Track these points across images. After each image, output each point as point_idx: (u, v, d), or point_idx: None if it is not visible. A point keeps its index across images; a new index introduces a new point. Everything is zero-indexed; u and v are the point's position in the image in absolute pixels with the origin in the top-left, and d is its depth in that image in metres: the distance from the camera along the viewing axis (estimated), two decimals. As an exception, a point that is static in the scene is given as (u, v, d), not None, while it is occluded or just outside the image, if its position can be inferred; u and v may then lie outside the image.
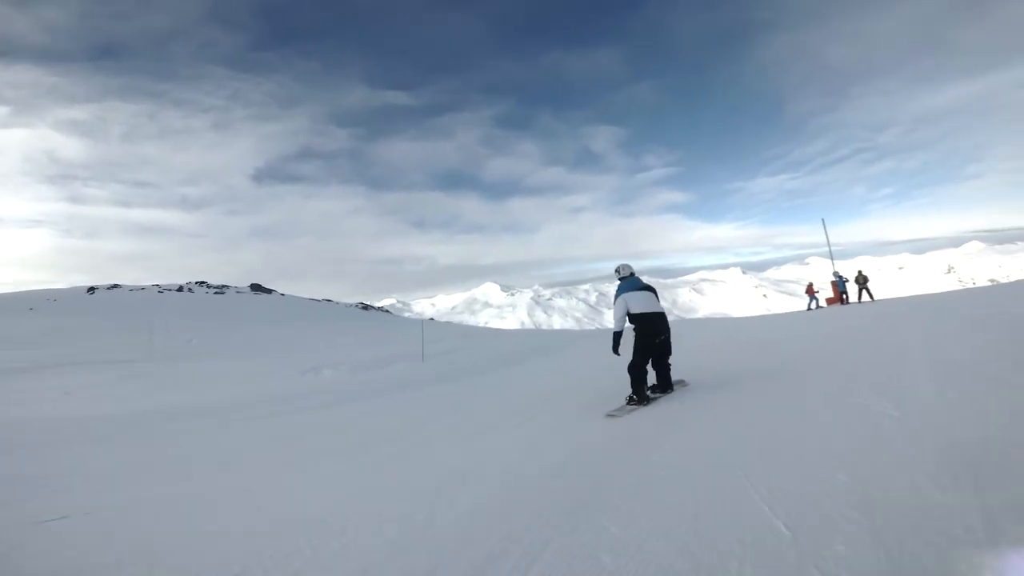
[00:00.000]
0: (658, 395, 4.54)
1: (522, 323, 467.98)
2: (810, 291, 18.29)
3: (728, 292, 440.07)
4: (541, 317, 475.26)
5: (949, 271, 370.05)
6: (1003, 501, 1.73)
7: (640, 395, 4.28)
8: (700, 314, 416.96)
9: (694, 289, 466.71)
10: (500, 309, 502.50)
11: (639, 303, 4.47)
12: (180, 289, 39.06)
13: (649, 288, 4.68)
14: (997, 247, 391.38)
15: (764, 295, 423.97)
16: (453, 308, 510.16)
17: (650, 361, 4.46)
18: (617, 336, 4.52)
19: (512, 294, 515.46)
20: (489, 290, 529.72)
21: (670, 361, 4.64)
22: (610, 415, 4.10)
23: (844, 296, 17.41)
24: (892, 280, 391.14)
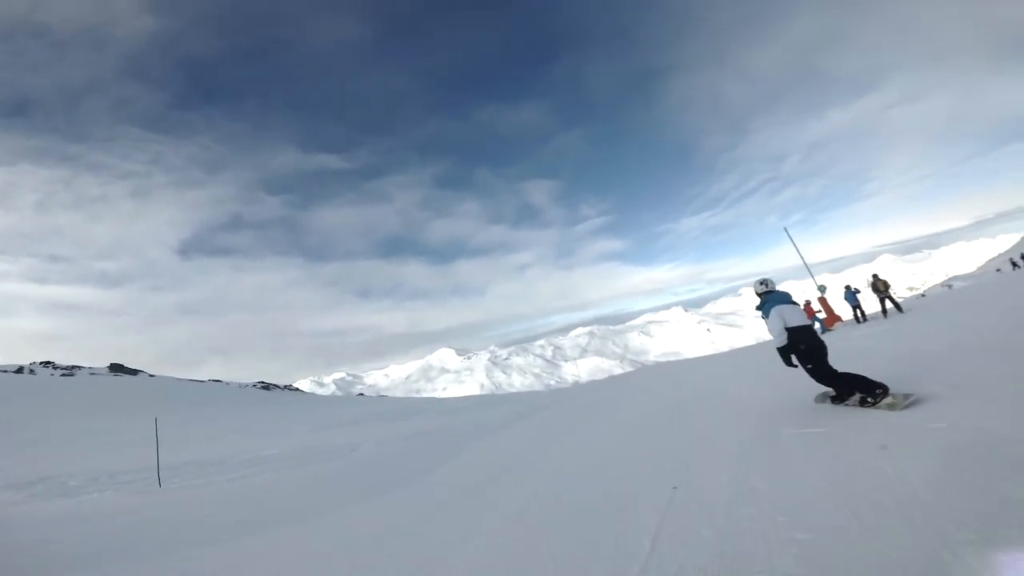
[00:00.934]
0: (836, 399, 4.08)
1: (482, 385, 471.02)
2: (810, 312, 15.20)
3: (674, 331, 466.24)
4: (500, 377, 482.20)
5: (869, 285, 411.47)
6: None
7: (853, 389, 3.83)
8: (652, 356, 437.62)
9: (643, 332, 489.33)
10: (458, 374, 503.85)
11: (794, 317, 4.12)
12: (20, 371, 33.98)
13: (795, 302, 4.32)
14: (907, 257, 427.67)
15: (708, 329, 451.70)
16: (408, 377, 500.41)
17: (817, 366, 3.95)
18: (784, 351, 4.12)
19: (468, 357, 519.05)
20: (444, 355, 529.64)
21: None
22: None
23: (859, 312, 14.35)
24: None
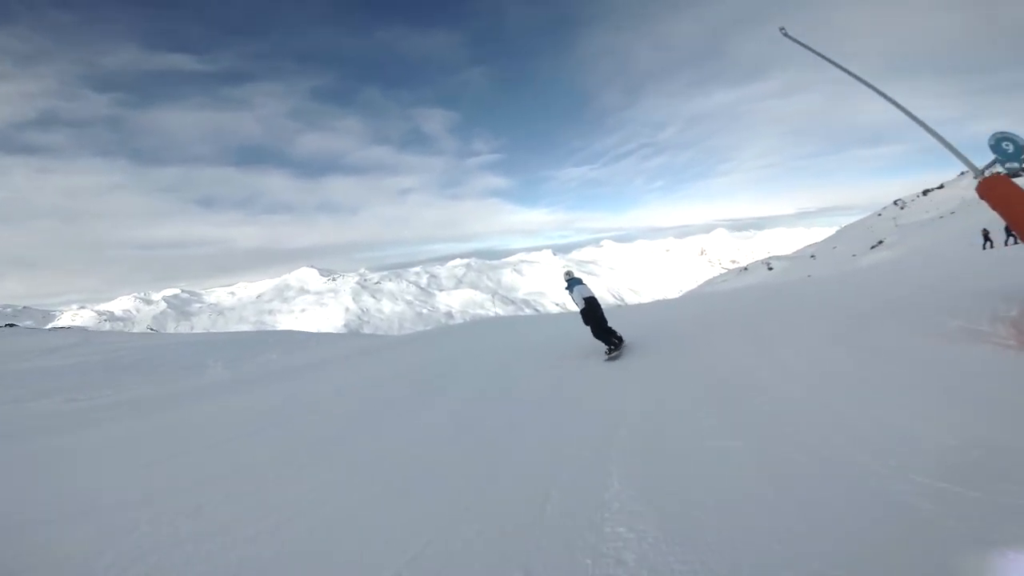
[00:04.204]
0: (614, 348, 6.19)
1: (347, 309, 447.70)
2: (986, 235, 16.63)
3: (543, 272, 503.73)
4: (369, 302, 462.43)
5: (702, 253, 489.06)
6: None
7: (614, 345, 6.15)
8: (521, 294, 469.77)
9: (515, 270, 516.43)
10: (320, 296, 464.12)
11: (587, 292, 6.54)
12: None
13: (582, 284, 6.68)
14: (737, 233, 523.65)
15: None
16: (259, 296, 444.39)
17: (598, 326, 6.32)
18: (583, 312, 6.40)
19: (333, 279, 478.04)
20: (305, 275, 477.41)
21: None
22: (609, 360, 5.85)
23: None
24: (660, 261, 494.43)
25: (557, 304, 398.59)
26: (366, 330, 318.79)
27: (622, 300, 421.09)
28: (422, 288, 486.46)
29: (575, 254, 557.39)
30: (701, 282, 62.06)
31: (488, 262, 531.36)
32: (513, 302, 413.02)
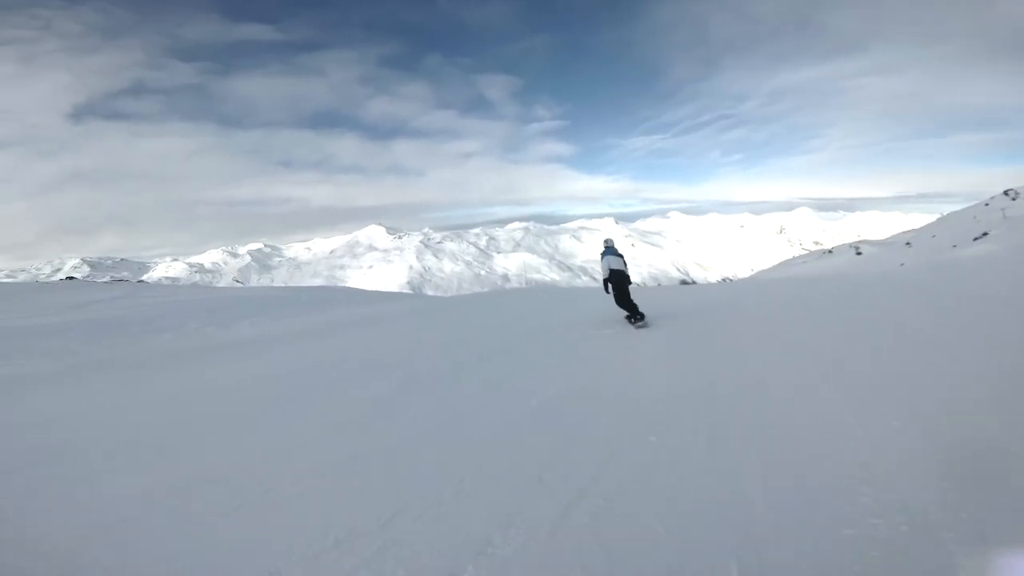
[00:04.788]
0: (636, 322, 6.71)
1: (411, 267, 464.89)
2: None
3: (601, 240, 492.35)
4: (431, 261, 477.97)
5: (781, 231, 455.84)
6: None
7: (636, 314, 6.69)
8: (579, 260, 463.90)
9: (574, 236, 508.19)
10: (386, 253, 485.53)
11: (615, 264, 6.90)
12: None
13: (621, 256, 7.13)
14: (822, 214, 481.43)
15: (632, 244, 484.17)
16: (332, 252, 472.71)
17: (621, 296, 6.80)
18: (605, 282, 6.95)
19: (399, 237, 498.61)
20: (374, 233, 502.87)
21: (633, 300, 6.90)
22: (638, 328, 6.48)
23: None
24: (733, 236, 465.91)
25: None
26: (427, 288, 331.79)
27: (687, 275, 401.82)
28: (481, 249, 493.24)
29: (639, 224, 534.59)
30: (777, 262, 58.26)
31: (546, 227, 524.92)
32: (570, 268, 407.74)
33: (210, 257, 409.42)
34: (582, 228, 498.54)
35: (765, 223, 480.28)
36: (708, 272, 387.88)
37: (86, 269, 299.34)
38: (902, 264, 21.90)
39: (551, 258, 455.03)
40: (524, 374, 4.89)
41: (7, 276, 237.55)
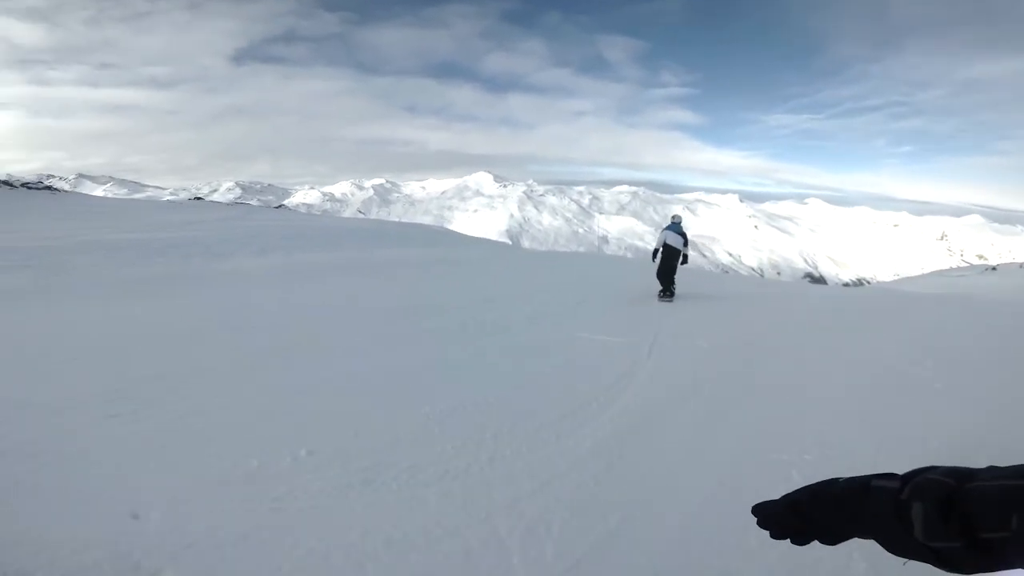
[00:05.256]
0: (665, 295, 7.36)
1: (511, 215, 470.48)
2: None
3: (721, 217, 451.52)
4: (531, 212, 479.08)
5: (942, 238, 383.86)
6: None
7: (667, 290, 7.31)
8: (689, 234, 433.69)
9: (688, 208, 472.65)
10: (491, 199, 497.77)
11: (668, 239, 7.37)
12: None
13: (682, 234, 7.55)
14: (996, 225, 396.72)
15: (755, 226, 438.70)
16: (443, 193, 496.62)
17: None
18: (654, 252, 7.53)
19: (505, 186, 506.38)
20: (482, 179, 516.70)
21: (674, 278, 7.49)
22: (661, 301, 7.17)
23: None
24: (881, 235, 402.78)
25: (730, 254, 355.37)
26: (524, 240, 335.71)
27: (815, 268, 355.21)
28: (583, 208, 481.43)
29: (768, 205, 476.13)
30: (928, 271, 48.44)
31: (658, 195, 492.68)
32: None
33: (340, 188, 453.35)
34: (699, 201, 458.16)
35: (924, 226, 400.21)
36: (841, 269, 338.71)
37: (238, 191, 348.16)
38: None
39: (657, 226, 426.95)
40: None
41: (171, 194, 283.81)
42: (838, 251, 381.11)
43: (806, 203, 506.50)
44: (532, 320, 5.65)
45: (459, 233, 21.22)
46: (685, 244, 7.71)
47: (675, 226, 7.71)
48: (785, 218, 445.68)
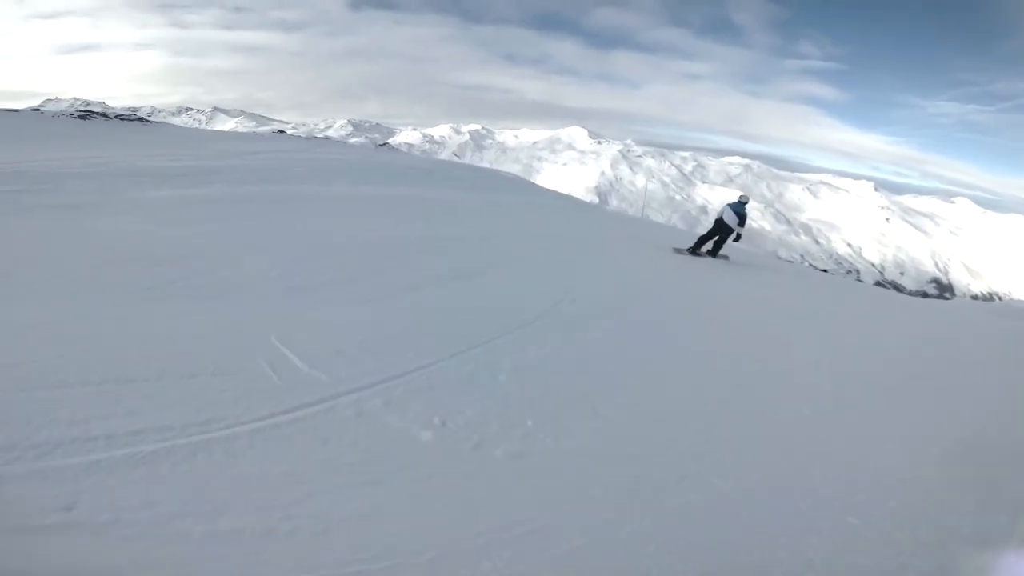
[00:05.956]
0: (707, 256, 8.18)
1: (602, 173, 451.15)
2: None
3: (846, 204, 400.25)
4: (624, 172, 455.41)
5: None
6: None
7: (693, 250, 8.15)
8: (803, 216, 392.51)
9: (808, 189, 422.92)
10: (583, 155, 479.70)
11: (723, 214, 8.03)
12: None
13: (741, 215, 7.98)
14: None
15: (887, 219, 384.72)
16: (535, 144, 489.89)
17: (713, 240, 8.16)
18: (716, 221, 8.27)
19: (599, 142, 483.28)
20: (576, 133, 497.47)
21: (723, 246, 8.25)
22: (676, 252, 8.18)
23: None
24: None
25: (850, 245, 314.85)
26: (613, 200, 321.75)
27: (945, 274, 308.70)
28: (684, 174, 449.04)
29: (906, 199, 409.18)
30: None
31: (775, 171, 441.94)
32: (789, 222, 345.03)
33: (439, 131, 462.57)
34: (823, 183, 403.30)
35: None
36: (975, 280, 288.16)
37: (349, 128, 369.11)
38: None
39: (770, 204, 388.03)
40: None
41: (292, 128, 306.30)
42: (977, 259, 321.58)
43: (953, 202, 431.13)
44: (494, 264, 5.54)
45: (529, 182, 20.46)
46: (741, 224, 8.12)
47: (738, 205, 8.24)
48: (924, 215, 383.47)
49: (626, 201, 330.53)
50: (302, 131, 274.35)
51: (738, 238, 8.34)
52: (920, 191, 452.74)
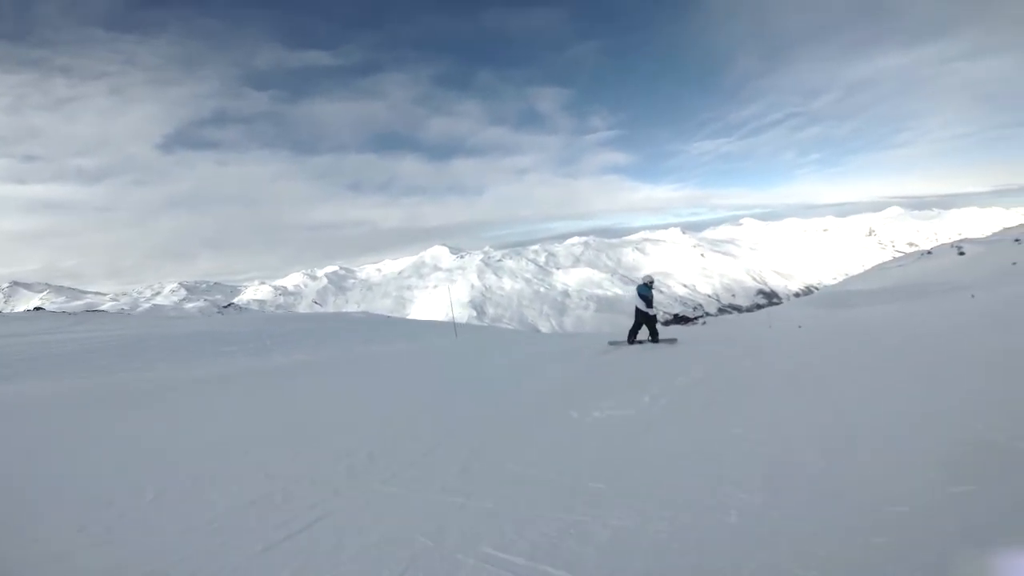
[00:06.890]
0: (645, 342, 8.82)
1: (472, 285, 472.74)
2: None
3: (668, 252, 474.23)
4: (492, 280, 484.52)
5: (870, 234, 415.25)
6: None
7: (630, 340, 8.80)
8: (642, 273, 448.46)
9: (637, 248, 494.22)
10: (450, 272, 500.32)
11: (635, 301, 8.86)
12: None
13: (646, 297, 8.83)
14: (915, 213, 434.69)
15: (702, 254, 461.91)
16: (400, 273, 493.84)
17: (641, 327, 8.81)
18: (640, 312, 8.74)
19: (461, 256, 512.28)
20: (438, 253, 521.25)
21: (657, 328, 8.88)
22: (612, 344, 9.05)
23: None
24: (815, 241, 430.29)
25: (685, 286, 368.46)
26: (488, 307, 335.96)
27: (764, 284, 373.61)
28: (540, 266, 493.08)
29: (708, 232, 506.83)
30: (868, 266, 51.49)
31: (607, 240, 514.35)
32: (633, 281, 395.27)
33: (292, 280, 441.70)
34: (645, 240, 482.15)
35: (852, 226, 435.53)
36: (789, 281, 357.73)
37: (183, 292, 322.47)
38: (1014, 263, 20.16)
39: (613, 272, 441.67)
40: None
41: (111, 300, 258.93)
42: (780, 264, 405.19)
43: (741, 224, 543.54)
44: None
45: (400, 319, 20.09)
46: (649, 305, 8.78)
47: (642, 287, 9.01)
48: (726, 241, 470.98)
49: (500, 307, 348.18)
50: (124, 302, 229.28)
51: (654, 318, 8.86)
52: (715, 223, 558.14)
